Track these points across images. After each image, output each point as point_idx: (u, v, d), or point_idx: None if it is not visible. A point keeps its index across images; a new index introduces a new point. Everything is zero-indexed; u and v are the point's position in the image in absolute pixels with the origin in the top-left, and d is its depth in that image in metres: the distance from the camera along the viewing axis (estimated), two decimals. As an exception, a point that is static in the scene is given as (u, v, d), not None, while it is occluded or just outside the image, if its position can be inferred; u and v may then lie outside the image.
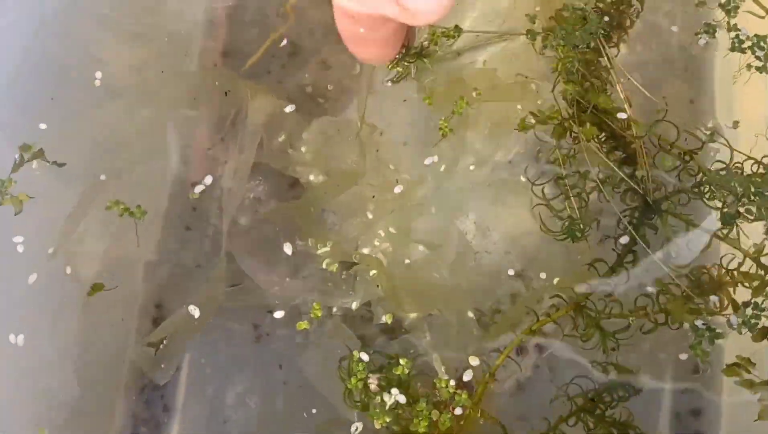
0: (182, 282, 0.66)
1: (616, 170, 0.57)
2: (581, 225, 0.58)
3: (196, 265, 0.66)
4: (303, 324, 0.61)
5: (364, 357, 0.59)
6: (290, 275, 0.64)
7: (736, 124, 0.62)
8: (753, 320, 0.53)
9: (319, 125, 0.66)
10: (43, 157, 0.64)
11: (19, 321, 0.64)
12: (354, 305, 0.63)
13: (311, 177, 0.66)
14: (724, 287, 0.55)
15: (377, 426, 0.57)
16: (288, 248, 0.64)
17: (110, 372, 0.65)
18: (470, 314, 0.63)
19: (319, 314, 0.60)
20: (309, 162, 0.65)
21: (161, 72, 0.69)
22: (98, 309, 0.64)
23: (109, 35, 0.70)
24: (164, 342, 0.64)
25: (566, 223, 0.58)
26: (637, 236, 0.57)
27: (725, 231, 0.56)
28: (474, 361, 0.60)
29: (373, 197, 0.65)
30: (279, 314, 0.64)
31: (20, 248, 0.64)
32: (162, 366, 0.64)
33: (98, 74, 0.68)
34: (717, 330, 0.55)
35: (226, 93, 0.68)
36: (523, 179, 0.63)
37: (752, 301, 0.53)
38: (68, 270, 0.65)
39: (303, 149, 0.66)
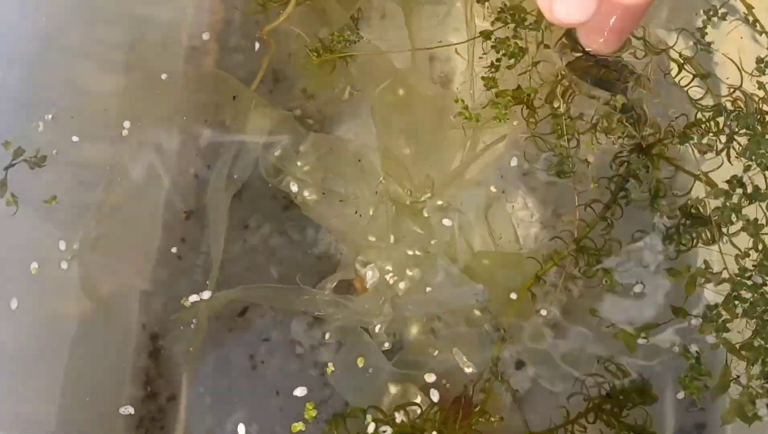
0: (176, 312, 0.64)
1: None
2: (571, 164, 0.59)
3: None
4: (297, 426, 0.60)
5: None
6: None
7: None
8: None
9: (315, 141, 0.66)
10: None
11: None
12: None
13: (306, 194, 0.65)
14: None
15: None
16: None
17: (106, 404, 0.63)
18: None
19: (313, 415, 0.60)
20: (304, 178, 0.65)
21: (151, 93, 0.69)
22: (92, 343, 0.63)
23: (92, 65, 0.69)
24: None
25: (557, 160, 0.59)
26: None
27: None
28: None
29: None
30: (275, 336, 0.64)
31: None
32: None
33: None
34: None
35: (234, 97, 0.67)
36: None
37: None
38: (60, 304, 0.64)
39: (299, 164, 0.65)
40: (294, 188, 0.64)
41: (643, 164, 0.56)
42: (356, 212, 0.63)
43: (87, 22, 0.69)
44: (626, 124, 0.55)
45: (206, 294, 0.63)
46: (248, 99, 0.66)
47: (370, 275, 0.63)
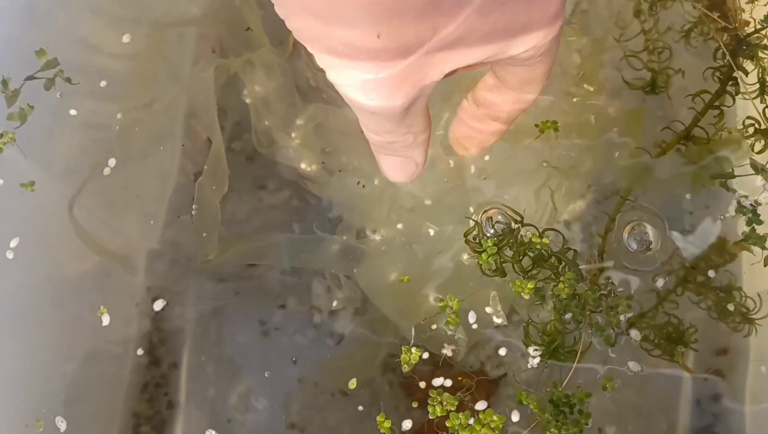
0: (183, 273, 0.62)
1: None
2: (666, 76, 0.57)
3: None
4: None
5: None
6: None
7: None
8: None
9: (312, 112, 0.63)
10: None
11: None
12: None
13: (303, 165, 0.63)
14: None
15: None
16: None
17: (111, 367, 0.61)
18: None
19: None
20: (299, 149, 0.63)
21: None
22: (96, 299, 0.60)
23: (100, 21, 0.67)
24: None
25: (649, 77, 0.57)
26: (733, 64, 0.55)
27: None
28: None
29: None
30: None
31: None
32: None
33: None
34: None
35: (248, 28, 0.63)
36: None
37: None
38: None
39: (293, 135, 0.63)
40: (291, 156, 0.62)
41: (747, 53, 0.56)
42: (359, 183, 0.61)
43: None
44: (718, 20, 0.56)
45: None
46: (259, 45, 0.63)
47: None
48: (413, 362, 0.54)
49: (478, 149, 0.39)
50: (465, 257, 0.58)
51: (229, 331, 0.61)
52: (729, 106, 0.58)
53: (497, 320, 0.57)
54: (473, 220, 0.55)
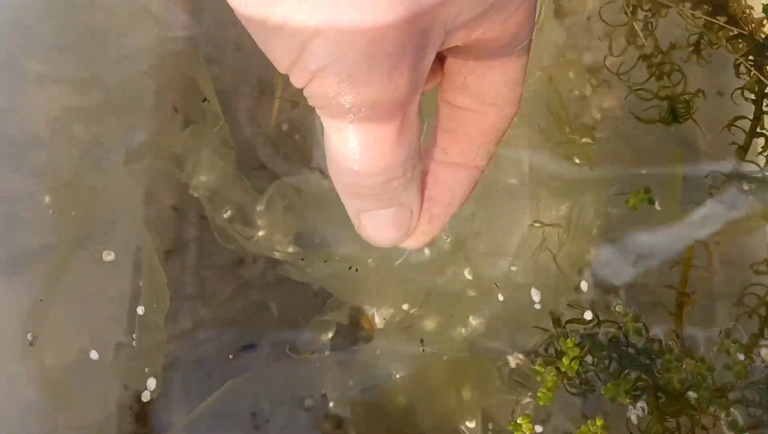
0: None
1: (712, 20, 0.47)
2: (686, 101, 0.49)
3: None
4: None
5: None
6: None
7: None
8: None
9: (277, 190, 0.56)
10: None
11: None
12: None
13: (277, 255, 0.56)
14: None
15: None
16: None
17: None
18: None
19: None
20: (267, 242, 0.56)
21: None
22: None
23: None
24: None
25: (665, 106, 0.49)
26: (761, 77, 0.46)
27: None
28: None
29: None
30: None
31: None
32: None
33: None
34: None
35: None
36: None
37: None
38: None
39: (259, 223, 0.56)
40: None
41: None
42: (350, 268, 0.54)
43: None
44: (727, 26, 0.47)
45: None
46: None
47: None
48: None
49: (446, 218, 0.32)
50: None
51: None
52: None
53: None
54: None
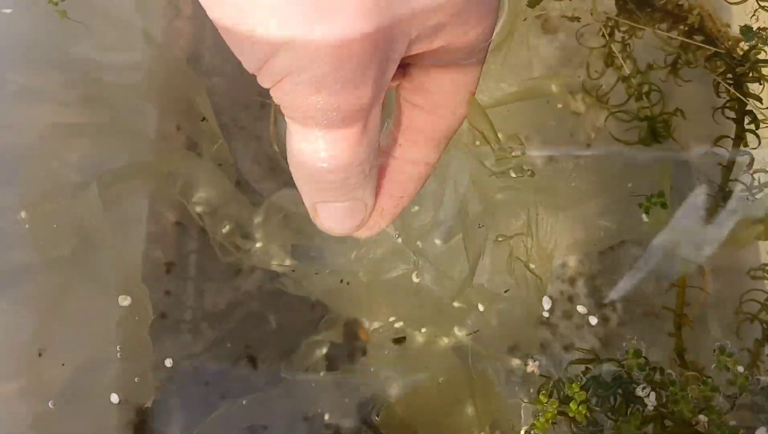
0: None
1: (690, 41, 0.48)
2: (664, 121, 0.51)
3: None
4: None
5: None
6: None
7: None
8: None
9: (271, 205, 0.58)
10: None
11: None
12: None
13: (274, 267, 0.57)
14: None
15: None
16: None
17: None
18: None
19: None
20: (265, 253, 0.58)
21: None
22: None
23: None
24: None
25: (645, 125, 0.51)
26: (741, 95, 0.47)
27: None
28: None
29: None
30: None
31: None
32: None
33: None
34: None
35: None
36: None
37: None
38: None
39: (257, 236, 0.57)
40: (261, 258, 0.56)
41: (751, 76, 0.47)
42: (342, 281, 0.55)
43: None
44: (704, 46, 0.48)
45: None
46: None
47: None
48: None
49: (397, 211, 0.34)
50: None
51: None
52: (754, 148, 0.49)
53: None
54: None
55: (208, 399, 0.57)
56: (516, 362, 0.53)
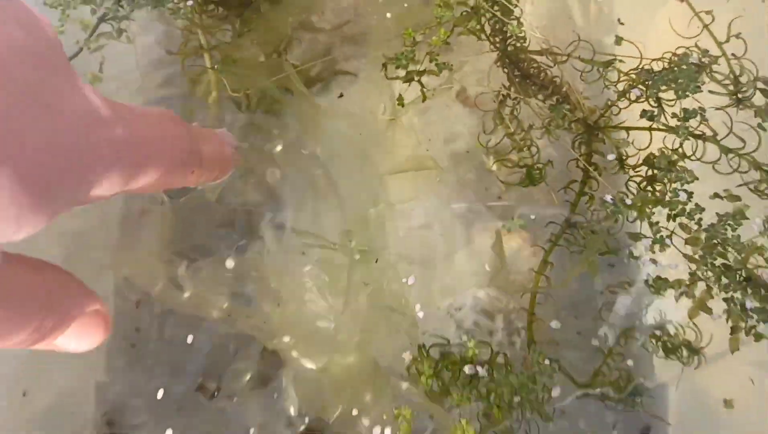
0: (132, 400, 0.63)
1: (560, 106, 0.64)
2: (539, 168, 0.64)
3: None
4: None
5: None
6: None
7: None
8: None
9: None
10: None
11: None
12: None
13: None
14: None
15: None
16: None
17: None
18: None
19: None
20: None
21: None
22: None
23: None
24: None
25: (525, 171, 0.64)
26: (587, 168, 0.61)
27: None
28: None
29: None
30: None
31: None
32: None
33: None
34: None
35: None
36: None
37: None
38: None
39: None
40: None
41: (595, 135, 0.63)
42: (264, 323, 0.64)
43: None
44: (566, 111, 0.64)
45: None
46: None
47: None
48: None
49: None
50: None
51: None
52: (595, 191, 0.63)
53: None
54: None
55: (173, 416, 0.63)
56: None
